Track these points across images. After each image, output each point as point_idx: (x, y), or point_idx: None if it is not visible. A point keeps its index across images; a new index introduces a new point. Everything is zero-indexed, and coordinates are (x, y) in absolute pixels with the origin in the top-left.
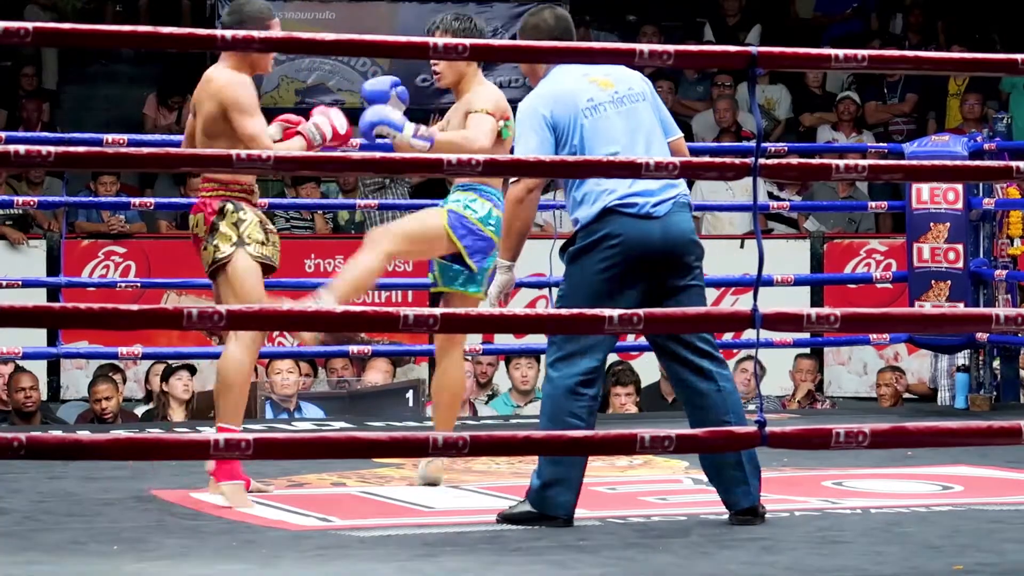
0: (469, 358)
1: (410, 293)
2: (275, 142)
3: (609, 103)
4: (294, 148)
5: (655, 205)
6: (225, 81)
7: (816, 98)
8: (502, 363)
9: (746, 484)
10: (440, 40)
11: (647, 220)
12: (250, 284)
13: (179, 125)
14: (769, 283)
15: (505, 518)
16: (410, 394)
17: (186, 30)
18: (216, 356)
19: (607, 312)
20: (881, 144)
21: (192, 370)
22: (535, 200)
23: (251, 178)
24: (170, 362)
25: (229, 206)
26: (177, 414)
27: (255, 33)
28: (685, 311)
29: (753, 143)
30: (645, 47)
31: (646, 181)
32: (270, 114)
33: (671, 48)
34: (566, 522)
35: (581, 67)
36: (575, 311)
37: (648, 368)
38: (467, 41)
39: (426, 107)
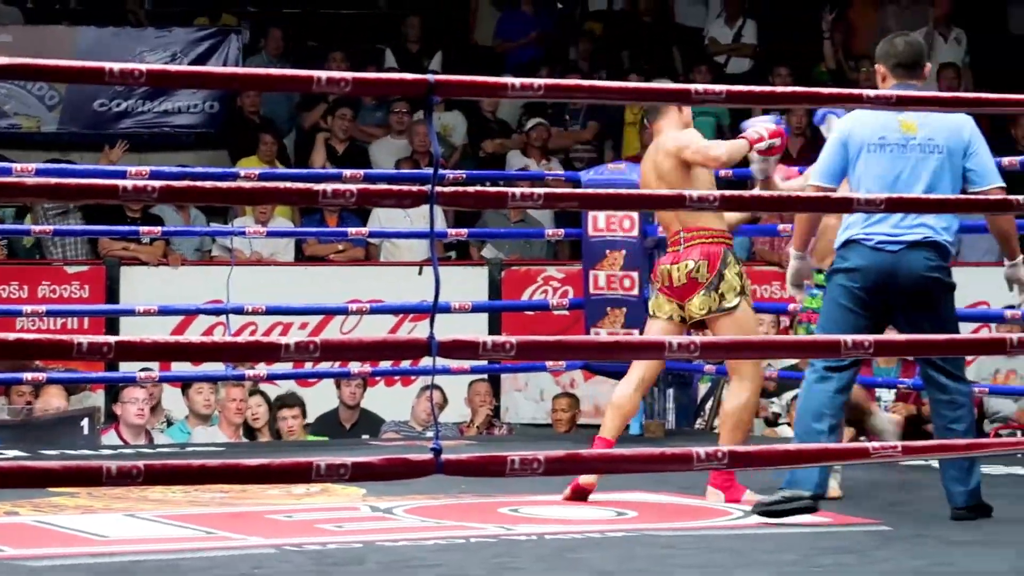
0: (145, 385)
1: (86, 320)
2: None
3: (897, 145)
4: (735, 148)
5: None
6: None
7: (494, 124)
8: (176, 391)
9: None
10: (116, 65)
11: (878, 252)
12: (755, 329)
13: None
14: (446, 310)
15: None
16: (85, 422)
17: None
18: None
19: (284, 340)
20: (559, 172)
21: None
22: None
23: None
24: None
25: (731, 256)
26: None
27: None
28: (361, 340)
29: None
30: (323, 74)
31: (882, 217)
32: None
33: (348, 75)
34: None
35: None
36: (254, 339)
37: (327, 396)
38: (143, 67)
39: (103, 132)
